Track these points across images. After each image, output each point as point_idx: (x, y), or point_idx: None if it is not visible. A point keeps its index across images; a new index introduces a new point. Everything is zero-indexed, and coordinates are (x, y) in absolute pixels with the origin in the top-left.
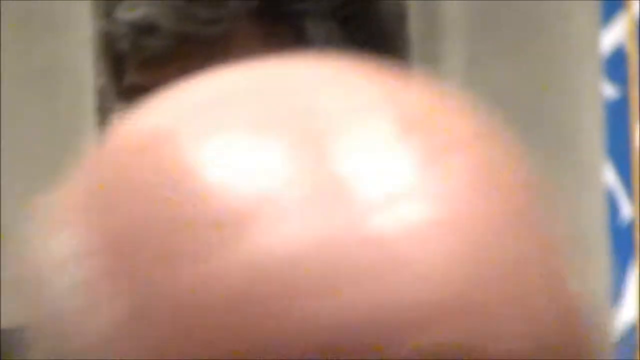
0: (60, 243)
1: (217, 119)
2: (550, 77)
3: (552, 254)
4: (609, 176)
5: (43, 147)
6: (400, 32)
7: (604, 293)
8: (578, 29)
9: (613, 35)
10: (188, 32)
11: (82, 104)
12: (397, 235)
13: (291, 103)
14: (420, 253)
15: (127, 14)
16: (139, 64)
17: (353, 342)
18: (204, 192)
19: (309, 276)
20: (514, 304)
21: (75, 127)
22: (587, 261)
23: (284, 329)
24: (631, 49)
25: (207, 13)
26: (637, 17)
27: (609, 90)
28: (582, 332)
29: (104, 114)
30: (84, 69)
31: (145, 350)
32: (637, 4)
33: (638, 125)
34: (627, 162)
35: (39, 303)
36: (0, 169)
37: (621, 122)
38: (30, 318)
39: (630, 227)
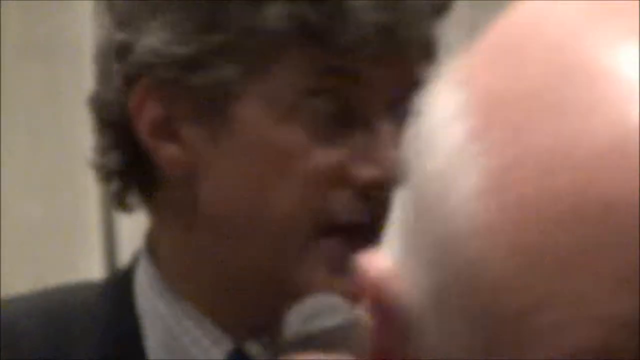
0: (447, 103)
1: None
2: None
3: None
4: None
5: (43, 113)
6: None
7: None
8: None
9: None
10: (405, 38)
11: (82, 74)
12: None
13: None
14: None
15: (364, 11)
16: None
17: None
18: (589, 65)
19: None
20: None
21: (73, 96)
22: None
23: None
24: None
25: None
26: None
27: None
28: None
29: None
30: (85, 41)
31: (510, 207)
32: None
33: None
34: None
35: (420, 160)
36: (1, 135)
37: None
38: (412, 173)
39: None
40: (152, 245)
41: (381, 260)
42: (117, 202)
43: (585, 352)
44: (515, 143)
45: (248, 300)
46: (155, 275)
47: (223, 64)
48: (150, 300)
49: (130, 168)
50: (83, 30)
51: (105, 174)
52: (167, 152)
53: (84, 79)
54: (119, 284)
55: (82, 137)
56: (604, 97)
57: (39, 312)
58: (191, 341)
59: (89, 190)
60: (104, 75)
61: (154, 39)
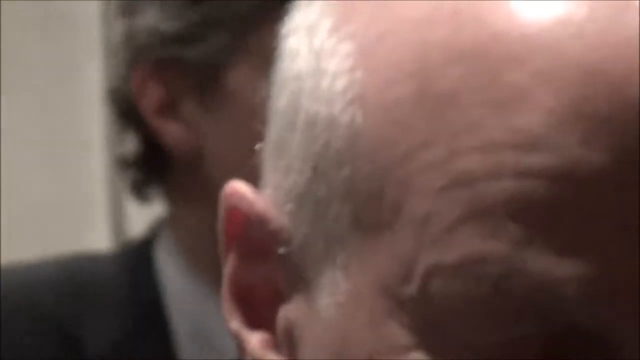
0: (305, 16)
1: None
2: None
3: None
4: None
5: (49, 90)
6: None
7: None
8: None
9: None
10: None
11: (90, 52)
12: None
13: None
14: None
15: None
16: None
17: None
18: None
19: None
20: None
21: (80, 73)
22: None
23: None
24: None
25: None
26: None
27: None
28: None
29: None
30: (85, 17)
31: (380, 68)
32: None
33: None
34: None
35: (286, 65)
36: (8, 112)
37: None
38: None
39: None
40: (173, 227)
41: (240, 187)
42: (135, 191)
43: (472, 177)
44: (379, 16)
45: None
46: (183, 260)
47: (211, 35)
48: (174, 282)
49: (146, 156)
50: (91, 8)
51: (122, 164)
52: (172, 132)
53: (91, 56)
54: (138, 259)
55: (89, 113)
56: None
57: (54, 280)
58: (216, 331)
59: (96, 167)
60: (116, 67)
61: (148, 19)
